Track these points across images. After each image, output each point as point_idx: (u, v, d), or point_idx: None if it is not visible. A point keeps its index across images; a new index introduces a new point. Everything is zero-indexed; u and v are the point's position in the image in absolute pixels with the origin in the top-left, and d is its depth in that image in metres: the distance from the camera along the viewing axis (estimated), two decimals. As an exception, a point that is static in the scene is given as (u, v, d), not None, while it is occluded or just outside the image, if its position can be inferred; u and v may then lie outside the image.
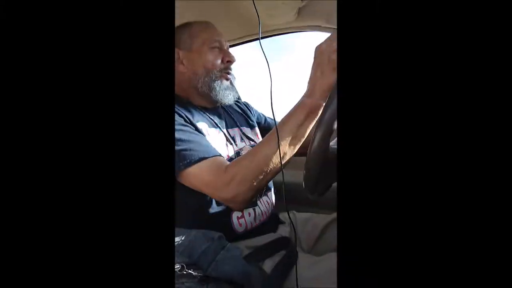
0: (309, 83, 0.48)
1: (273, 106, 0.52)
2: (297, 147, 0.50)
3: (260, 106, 0.85)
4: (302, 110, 0.48)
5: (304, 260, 0.53)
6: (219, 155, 0.56)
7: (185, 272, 0.40)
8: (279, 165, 0.48)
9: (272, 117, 0.52)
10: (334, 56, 0.44)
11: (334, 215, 0.70)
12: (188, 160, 0.52)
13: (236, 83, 0.68)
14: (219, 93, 0.64)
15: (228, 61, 0.66)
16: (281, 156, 0.48)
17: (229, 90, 0.66)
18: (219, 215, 0.59)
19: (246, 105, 0.82)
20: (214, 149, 0.57)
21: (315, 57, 0.47)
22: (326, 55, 0.44)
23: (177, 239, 0.50)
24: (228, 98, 0.66)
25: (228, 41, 0.73)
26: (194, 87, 0.65)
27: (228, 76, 0.66)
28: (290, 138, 0.48)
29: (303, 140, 0.50)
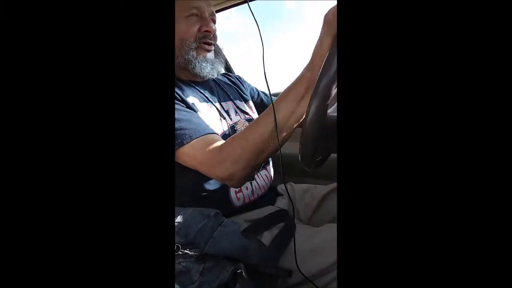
0: (312, 54, 0.43)
1: (266, 76, 0.49)
2: (296, 123, 0.47)
3: (252, 78, 0.81)
4: (302, 83, 0.44)
5: (302, 231, 0.54)
6: (212, 133, 0.54)
7: (181, 252, 0.39)
8: (277, 143, 0.46)
9: (267, 90, 0.48)
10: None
11: (332, 185, 0.70)
12: (180, 140, 0.50)
13: (223, 54, 0.63)
14: (196, 65, 0.58)
15: (206, 30, 0.59)
16: (279, 133, 0.45)
17: (206, 63, 0.59)
18: (217, 190, 0.59)
19: (238, 78, 0.78)
20: (207, 126, 0.55)
21: (321, 27, 0.42)
22: (332, 25, 0.39)
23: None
24: (206, 71, 0.60)
25: (214, 5, 0.67)
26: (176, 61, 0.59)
27: (207, 46, 0.60)
28: (289, 115, 0.45)
29: (303, 116, 0.47)
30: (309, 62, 0.44)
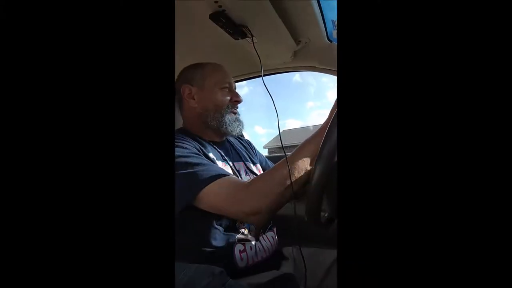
0: (325, 122, 0.53)
1: (281, 137, 0.56)
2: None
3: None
4: (315, 141, 0.52)
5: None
6: (233, 176, 0.58)
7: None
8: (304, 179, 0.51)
9: (283, 150, 0.55)
10: None
11: None
12: (207, 177, 0.53)
13: (241, 119, 0.74)
14: (229, 125, 0.70)
15: (236, 100, 0.72)
16: (296, 180, 0.51)
17: (237, 122, 0.71)
18: (221, 247, 0.57)
19: (249, 143, 0.87)
20: (229, 172, 0.60)
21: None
22: None
23: (177, 275, 0.48)
24: (237, 130, 0.71)
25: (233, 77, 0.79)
26: (204, 121, 0.70)
27: (235, 112, 0.73)
28: (304, 165, 0.52)
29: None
30: (322, 128, 0.53)
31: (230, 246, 0.58)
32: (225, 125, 0.69)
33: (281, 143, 0.56)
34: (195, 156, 0.58)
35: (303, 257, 0.55)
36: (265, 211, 0.51)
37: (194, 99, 0.70)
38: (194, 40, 0.84)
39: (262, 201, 0.51)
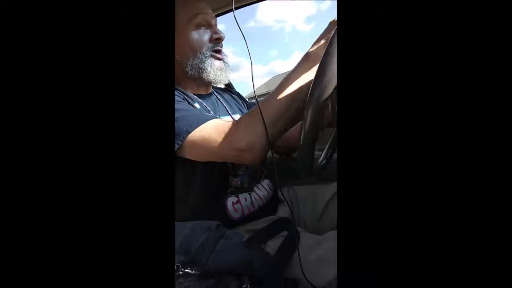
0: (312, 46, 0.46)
1: (254, 83, 0.49)
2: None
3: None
4: (306, 62, 0.46)
5: (307, 240, 0.52)
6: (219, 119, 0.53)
7: (181, 272, 0.38)
8: (291, 113, 0.46)
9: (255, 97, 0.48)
10: None
11: (335, 185, 0.68)
12: (194, 122, 0.48)
13: (228, 61, 0.63)
14: (211, 73, 0.60)
15: (217, 38, 0.60)
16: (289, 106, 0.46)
17: (221, 71, 0.61)
18: (212, 202, 0.57)
19: (239, 95, 0.79)
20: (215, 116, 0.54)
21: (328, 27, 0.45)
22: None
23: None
24: (221, 79, 0.61)
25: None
26: (184, 72, 0.60)
27: (218, 55, 0.61)
28: (298, 90, 0.46)
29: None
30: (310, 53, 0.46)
31: (221, 199, 0.57)
32: (206, 73, 0.59)
33: (254, 91, 0.49)
34: (179, 102, 0.52)
35: (287, 200, 0.54)
36: (258, 147, 0.46)
37: None
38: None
39: (254, 135, 0.46)
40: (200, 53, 0.59)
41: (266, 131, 0.46)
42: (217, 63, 0.60)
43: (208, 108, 0.62)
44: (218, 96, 0.70)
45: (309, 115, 0.37)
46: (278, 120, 0.47)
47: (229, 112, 0.68)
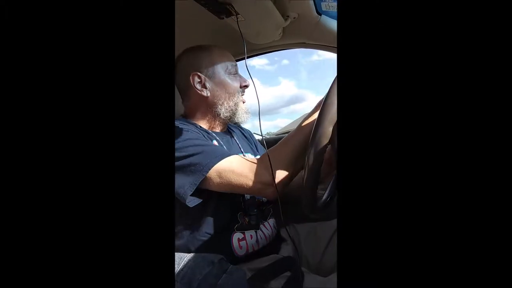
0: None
1: (261, 123, 0.57)
2: None
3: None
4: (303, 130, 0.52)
5: (311, 281, 0.51)
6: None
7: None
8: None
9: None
10: None
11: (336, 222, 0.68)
12: (219, 155, 0.53)
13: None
14: (241, 116, 0.67)
15: (245, 85, 0.69)
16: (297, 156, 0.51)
17: (247, 114, 0.69)
18: (218, 236, 0.57)
19: (250, 134, 0.85)
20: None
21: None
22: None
23: (175, 266, 0.47)
24: (245, 119, 0.69)
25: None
26: (215, 111, 0.66)
27: (244, 99, 0.69)
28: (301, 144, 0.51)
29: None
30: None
31: (227, 234, 0.58)
32: (238, 115, 0.67)
33: (261, 132, 0.56)
34: (202, 139, 0.57)
35: (292, 239, 0.54)
36: (281, 183, 0.51)
37: (206, 88, 0.65)
38: (177, 21, 0.78)
39: (278, 171, 0.51)
40: (234, 97, 0.66)
41: (287, 169, 0.51)
42: (244, 106, 0.68)
43: (224, 146, 0.66)
44: (232, 133, 0.75)
45: (311, 155, 0.40)
46: (297, 160, 0.51)
47: (242, 150, 0.72)
